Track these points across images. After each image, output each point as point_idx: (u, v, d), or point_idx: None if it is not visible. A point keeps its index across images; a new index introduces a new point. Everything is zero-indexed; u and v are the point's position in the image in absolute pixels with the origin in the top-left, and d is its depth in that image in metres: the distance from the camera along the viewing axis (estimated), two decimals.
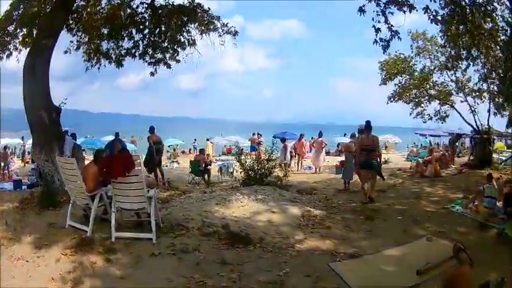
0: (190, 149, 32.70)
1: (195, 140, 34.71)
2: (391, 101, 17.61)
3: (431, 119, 17.03)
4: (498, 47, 11.76)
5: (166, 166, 18.88)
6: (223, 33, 10.96)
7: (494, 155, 15.64)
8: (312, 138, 25.91)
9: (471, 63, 12.56)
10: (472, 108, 15.44)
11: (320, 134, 17.08)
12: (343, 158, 13.39)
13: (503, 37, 10.95)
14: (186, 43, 10.69)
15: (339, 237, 6.45)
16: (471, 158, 15.87)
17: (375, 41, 8.24)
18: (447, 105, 16.65)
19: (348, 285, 4.70)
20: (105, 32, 10.30)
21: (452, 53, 13.45)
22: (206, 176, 13.47)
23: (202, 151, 15.68)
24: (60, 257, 4.98)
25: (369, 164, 8.84)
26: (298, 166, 17.35)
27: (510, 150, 17.68)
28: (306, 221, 7.39)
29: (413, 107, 17.34)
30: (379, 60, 17.01)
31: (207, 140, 28.49)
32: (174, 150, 27.98)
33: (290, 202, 8.59)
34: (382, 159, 18.05)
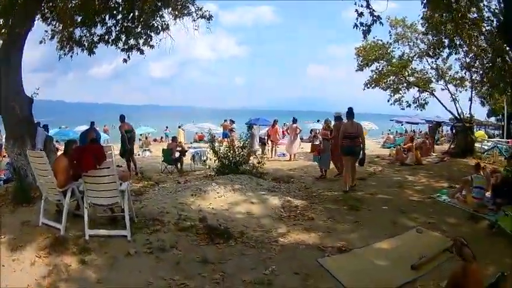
0: (162, 137, 32.44)
1: (167, 127, 34.52)
2: (368, 87, 17.72)
3: (409, 106, 17.16)
4: (483, 37, 11.99)
5: (139, 155, 18.60)
6: (197, 18, 10.58)
7: (477, 144, 15.88)
8: (285, 124, 25.65)
9: (453, 52, 12.96)
10: (454, 97, 15.71)
11: (294, 120, 16.70)
12: (317, 142, 13.22)
13: (488, 27, 11.25)
14: (160, 28, 10.27)
15: (324, 230, 6.24)
16: (452, 146, 16.09)
17: (356, 25, 8.04)
18: (427, 93, 16.84)
19: (339, 282, 4.46)
20: (79, 19, 9.75)
21: (434, 40, 13.77)
22: (179, 165, 13.18)
23: (174, 139, 15.19)
24: (35, 259, 4.62)
25: (352, 150, 8.87)
26: (272, 153, 16.96)
27: (493, 140, 17.94)
28: (287, 212, 7.16)
29: (391, 94, 17.42)
30: (356, 46, 17.05)
31: (179, 127, 28.34)
32: (146, 138, 27.49)
33: (268, 192, 8.32)
34: None
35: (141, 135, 27.48)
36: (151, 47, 10.42)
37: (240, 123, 24.22)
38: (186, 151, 14.28)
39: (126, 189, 5.34)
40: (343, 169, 9.25)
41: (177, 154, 13.38)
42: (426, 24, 13.12)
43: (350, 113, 8.99)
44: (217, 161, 10.57)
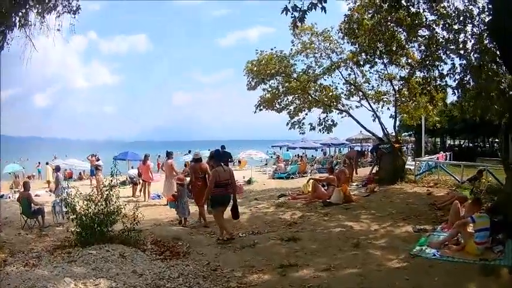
0: (34, 175, 30.95)
1: (39, 163, 33.15)
2: (260, 110, 16.23)
3: (313, 129, 15.80)
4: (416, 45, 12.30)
5: (9, 197, 17.46)
6: (63, 12, 9.71)
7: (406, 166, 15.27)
8: (159, 156, 26.14)
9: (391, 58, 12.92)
10: (377, 114, 15.28)
11: (168, 155, 14.39)
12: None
13: (426, 32, 11.33)
14: (17, 23, 9.25)
15: None
16: (373, 171, 15.22)
17: (286, 10, 6.60)
18: (336, 112, 15.86)
19: None
20: None
21: (356, 47, 13.39)
22: (40, 218, 11.20)
23: (26, 185, 12.39)
24: None
25: (227, 199, 8.27)
26: (145, 196, 15.17)
27: (423, 159, 17.84)
28: None
29: (291, 116, 16.04)
30: (248, 60, 15.78)
31: (47, 163, 26.47)
32: (17, 177, 24.70)
33: None
34: (244, 179, 18.55)
35: (9, 174, 25.36)
36: (1, 48, 9.18)
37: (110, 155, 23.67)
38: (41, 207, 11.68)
39: None
40: (216, 218, 8.49)
41: (36, 205, 11.37)
42: (347, 28, 12.65)
43: (220, 155, 8.83)
44: (75, 220, 7.91)
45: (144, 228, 8.82)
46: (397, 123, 16.10)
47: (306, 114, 16.02)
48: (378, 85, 15.88)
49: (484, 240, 6.26)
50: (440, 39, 11.04)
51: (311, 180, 12.43)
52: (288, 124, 16.06)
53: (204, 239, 8.35)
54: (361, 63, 13.57)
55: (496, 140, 34.78)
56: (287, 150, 32.54)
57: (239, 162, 31.19)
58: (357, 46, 12.94)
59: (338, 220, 8.97)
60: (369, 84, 15.91)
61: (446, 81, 11.53)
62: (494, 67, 10.06)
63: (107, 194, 8.16)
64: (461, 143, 38.99)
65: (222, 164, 8.39)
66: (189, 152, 28.72)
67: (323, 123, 15.54)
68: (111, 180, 8.68)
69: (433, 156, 20.11)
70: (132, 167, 19.60)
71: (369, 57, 12.93)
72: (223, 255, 7.02)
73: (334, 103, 15.62)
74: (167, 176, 13.92)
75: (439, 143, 37.31)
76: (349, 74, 15.46)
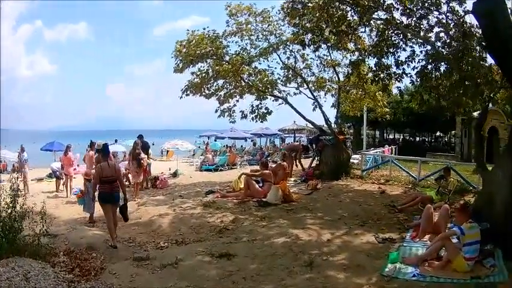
0: None
1: None
2: (187, 95, 14.81)
3: (245, 117, 14.56)
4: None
5: None
6: None
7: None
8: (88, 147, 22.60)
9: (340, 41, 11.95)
10: (319, 102, 14.50)
11: (91, 146, 13.10)
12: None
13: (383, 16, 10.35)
14: None
15: None
16: (313, 165, 14.05)
17: None
18: (272, 99, 14.79)
19: None
20: None
21: (293, 30, 12.70)
22: None
23: None
24: None
25: (113, 198, 7.97)
26: (67, 191, 13.69)
27: (369, 153, 16.78)
28: None
29: (221, 103, 14.73)
30: (177, 40, 14.43)
31: None
32: None
33: None
34: (170, 171, 17.60)
35: None
36: None
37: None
38: None
39: None
40: (106, 218, 8.09)
41: None
42: (291, 8, 11.36)
43: (104, 150, 8.41)
44: None
45: (60, 232, 7.80)
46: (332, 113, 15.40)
47: (237, 100, 14.80)
48: (319, 71, 15.08)
49: (474, 255, 5.29)
50: (399, 24, 10.15)
51: (243, 176, 10.90)
52: (217, 111, 14.78)
53: (121, 249, 6.96)
54: (306, 43, 12.01)
55: (442, 134, 35.45)
56: (215, 140, 30.96)
57: (167, 152, 30.03)
58: (299, 27, 11.67)
59: (279, 226, 7.44)
60: (310, 70, 15.01)
61: (404, 68, 10.59)
62: (480, 54, 9.32)
63: (14, 195, 6.78)
64: (405, 136, 39.04)
65: (107, 158, 8.26)
66: (116, 141, 27.35)
67: (256, 110, 14.37)
68: (17, 178, 7.50)
69: (378, 150, 19.44)
70: (60, 159, 17.52)
71: (315, 37, 11.52)
72: (139, 278, 5.38)
73: (270, 89, 14.47)
74: (87, 168, 12.53)
75: (378, 136, 37.00)
76: (288, 58, 14.45)
